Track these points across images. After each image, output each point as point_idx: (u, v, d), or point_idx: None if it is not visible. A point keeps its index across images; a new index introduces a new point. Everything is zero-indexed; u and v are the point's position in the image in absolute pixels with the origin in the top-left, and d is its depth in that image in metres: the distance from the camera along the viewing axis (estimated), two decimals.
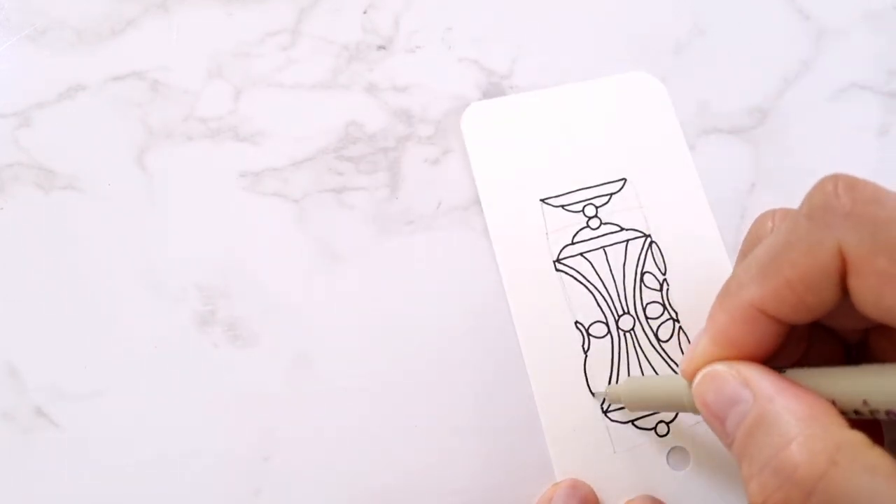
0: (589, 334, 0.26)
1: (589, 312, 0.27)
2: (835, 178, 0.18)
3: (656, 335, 0.27)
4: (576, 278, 0.27)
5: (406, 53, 0.30)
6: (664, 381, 0.23)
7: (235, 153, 0.29)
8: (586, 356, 0.26)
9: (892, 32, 0.30)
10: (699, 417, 0.25)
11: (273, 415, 0.26)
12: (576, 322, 0.27)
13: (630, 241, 0.28)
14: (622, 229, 0.28)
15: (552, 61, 0.30)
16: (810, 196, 0.18)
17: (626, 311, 0.27)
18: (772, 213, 0.22)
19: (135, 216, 0.28)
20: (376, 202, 0.28)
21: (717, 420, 0.19)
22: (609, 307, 0.27)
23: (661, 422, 0.26)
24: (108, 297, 0.27)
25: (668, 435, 0.25)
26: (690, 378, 0.20)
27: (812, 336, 0.22)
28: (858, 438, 0.16)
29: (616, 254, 0.27)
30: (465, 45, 0.30)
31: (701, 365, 0.20)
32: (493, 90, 0.30)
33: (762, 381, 0.18)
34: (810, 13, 0.30)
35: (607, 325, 0.27)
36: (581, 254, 0.27)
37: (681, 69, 0.30)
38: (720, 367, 0.19)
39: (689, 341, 0.27)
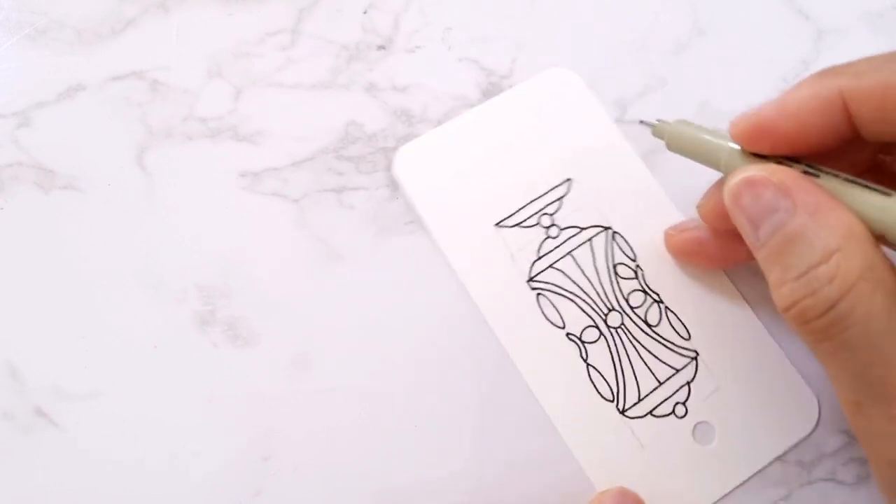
0: (583, 342, 0.26)
1: (576, 321, 0.27)
2: None
3: (646, 322, 0.27)
4: (554, 292, 0.27)
5: (406, 53, 0.30)
6: (709, 139, 0.23)
7: (235, 153, 0.29)
8: (587, 364, 0.26)
9: (892, 32, 0.30)
10: (711, 388, 0.25)
11: (273, 415, 0.26)
12: (567, 334, 0.26)
13: (593, 239, 0.27)
14: (582, 229, 0.28)
15: (552, 61, 0.30)
16: None
17: (610, 307, 0.27)
18: None
19: (135, 216, 0.28)
20: (376, 202, 0.28)
21: (750, 223, 0.20)
22: (594, 309, 0.27)
23: (677, 403, 0.26)
24: (108, 297, 0.27)
25: (687, 415, 0.25)
26: (736, 133, 0.21)
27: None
28: (888, 264, 0.18)
29: (584, 255, 0.27)
30: (465, 45, 0.30)
31: (753, 123, 0.21)
32: (492, 90, 0.30)
33: (802, 192, 0.19)
34: (810, 13, 0.30)
35: (597, 327, 0.26)
36: (551, 265, 0.27)
37: (681, 69, 0.30)
38: (759, 174, 0.20)
39: (678, 319, 0.27)
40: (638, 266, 0.27)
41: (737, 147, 0.22)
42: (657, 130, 0.24)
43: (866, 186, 0.19)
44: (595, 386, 0.26)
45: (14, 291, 0.27)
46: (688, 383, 0.26)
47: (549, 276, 0.27)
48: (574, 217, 0.28)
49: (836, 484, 0.25)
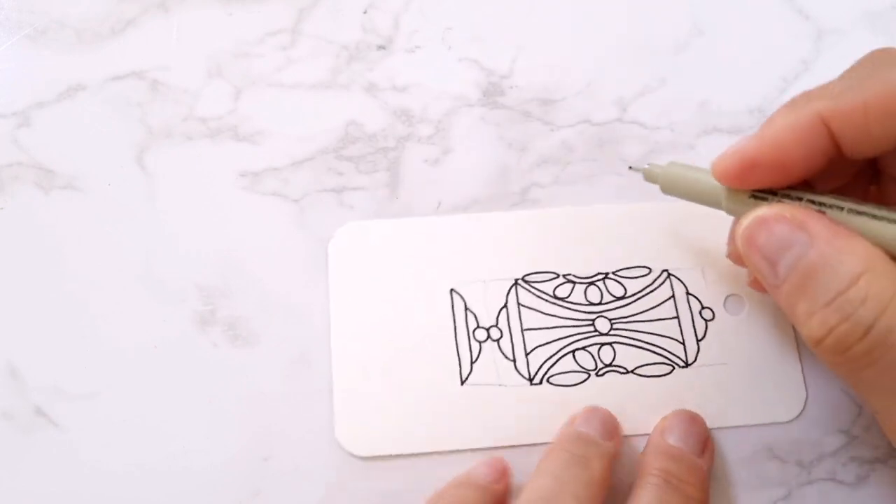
0: (607, 364, 0.26)
1: (587, 360, 0.26)
2: None
3: (617, 298, 0.27)
4: (556, 362, 0.26)
5: (406, 53, 0.30)
6: (703, 176, 0.22)
7: (235, 153, 0.29)
8: (631, 373, 0.26)
9: (892, 32, 0.30)
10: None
11: (273, 415, 0.26)
12: (597, 373, 0.26)
13: (518, 299, 0.27)
14: (505, 306, 0.26)
15: (552, 61, 0.30)
16: None
17: (590, 321, 0.26)
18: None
19: (135, 216, 0.28)
20: (376, 202, 0.28)
21: (767, 262, 0.19)
22: (584, 337, 0.26)
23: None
24: (108, 297, 0.27)
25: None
26: (719, 172, 0.20)
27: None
28: None
29: (530, 316, 0.26)
30: (465, 45, 0.30)
31: (736, 160, 0.20)
32: (493, 90, 0.30)
33: (817, 224, 0.19)
34: (810, 13, 0.30)
35: (611, 344, 0.26)
36: (527, 354, 0.26)
37: (681, 69, 0.30)
38: (770, 212, 0.20)
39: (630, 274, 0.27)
40: (565, 276, 0.27)
41: None
42: (649, 174, 0.24)
43: (873, 216, 0.19)
44: (651, 376, 0.26)
45: (14, 291, 0.27)
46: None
47: (538, 358, 0.26)
48: (488, 305, 0.26)
49: (836, 484, 0.25)
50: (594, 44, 0.30)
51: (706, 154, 0.29)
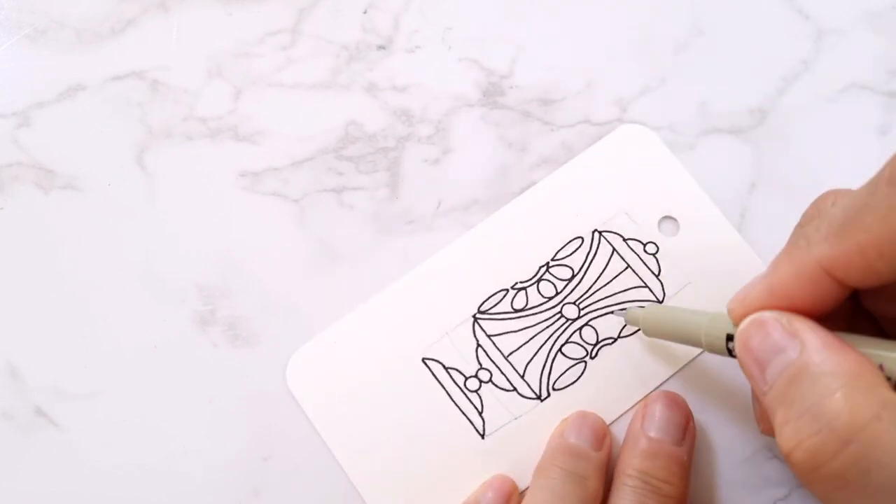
0: (594, 343, 0.26)
1: (575, 350, 0.26)
2: None
3: (574, 274, 0.27)
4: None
5: (406, 53, 0.30)
6: (684, 315, 0.23)
7: (235, 153, 0.29)
8: (618, 339, 0.26)
9: (892, 32, 0.30)
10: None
11: (273, 415, 0.26)
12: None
13: (480, 341, 0.26)
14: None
15: (552, 61, 0.30)
16: (893, 161, 0.17)
17: (556, 313, 0.26)
18: (835, 192, 0.21)
19: (135, 216, 0.28)
20: (376, 202, 0.28)
21: (758, 366, 0.19)
22: (555, 327, 0.26)
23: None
24: (108, 297, 0.27)
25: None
26: (737, 320, 0.20)
27: (853, 321, 0.22)
28: None
29: (505, 342, 0.26)
30: (465, 45, 0.30)
31: (752, 310, 0.20)
32: (493, 90, 0.30)
33: (811, 333, 0.18)
34: (810, 13, 0.30)
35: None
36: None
37: (680, 69, 0.30)
38: (768, 315, 0.19)
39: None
40: (513, 287, 0.27)
41: (722, 312, 0.21)
42: (630, 318, 0.25)
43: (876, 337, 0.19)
44: (637, 330, 0.26)
45: (14, 291, 0.27)
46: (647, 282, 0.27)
47: (533, 374, 0.26)
48: (463, 353, 0.26)
49: None
50: (594, 44, 0.30)
51: (706, 154, 0.29)
